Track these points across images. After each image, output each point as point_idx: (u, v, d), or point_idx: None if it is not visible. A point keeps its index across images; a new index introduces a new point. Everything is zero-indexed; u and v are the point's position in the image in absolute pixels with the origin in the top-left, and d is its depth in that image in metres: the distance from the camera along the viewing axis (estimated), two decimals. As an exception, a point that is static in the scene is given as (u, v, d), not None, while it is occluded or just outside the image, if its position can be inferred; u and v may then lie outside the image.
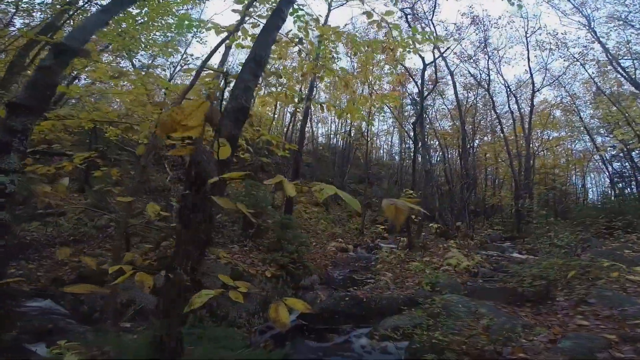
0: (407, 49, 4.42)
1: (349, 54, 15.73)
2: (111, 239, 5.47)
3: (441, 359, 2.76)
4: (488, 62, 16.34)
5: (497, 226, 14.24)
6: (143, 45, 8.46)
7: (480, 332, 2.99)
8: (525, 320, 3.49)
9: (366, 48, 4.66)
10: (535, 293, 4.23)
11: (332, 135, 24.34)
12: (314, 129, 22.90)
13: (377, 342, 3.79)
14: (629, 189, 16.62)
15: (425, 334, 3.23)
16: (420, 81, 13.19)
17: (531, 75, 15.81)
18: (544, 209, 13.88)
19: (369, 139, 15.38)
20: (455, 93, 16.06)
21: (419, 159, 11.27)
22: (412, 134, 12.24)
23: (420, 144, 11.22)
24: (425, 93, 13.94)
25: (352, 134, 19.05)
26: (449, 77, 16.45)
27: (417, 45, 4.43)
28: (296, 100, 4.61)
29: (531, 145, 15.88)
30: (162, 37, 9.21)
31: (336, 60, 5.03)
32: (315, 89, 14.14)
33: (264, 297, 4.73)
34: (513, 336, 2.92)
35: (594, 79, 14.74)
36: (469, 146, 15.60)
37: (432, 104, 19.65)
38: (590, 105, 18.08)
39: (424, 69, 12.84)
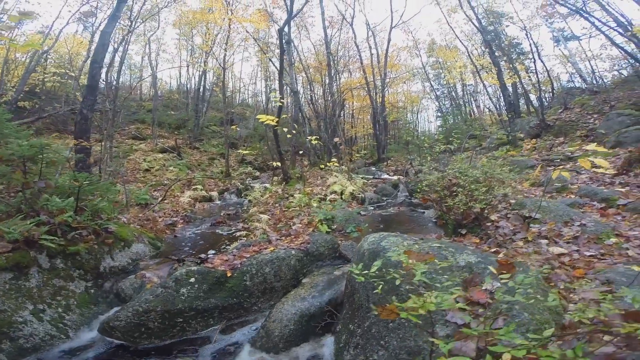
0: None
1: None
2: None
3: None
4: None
5: (361, 153, 14.94)
6: None
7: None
8: (492, 258, 1.91)
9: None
10: (464, 216, 3.43)
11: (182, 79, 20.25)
12: (154, 70, 17.73)
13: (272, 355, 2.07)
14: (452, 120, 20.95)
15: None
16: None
17: (392, 12, 16.98)
18: (394, 138, 15.45)
19: (225, 67, 12.41)
20: (323, 20, 15.05)
21: (287, 77, 9.60)
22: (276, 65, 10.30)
23: (287, 58, 9.49)
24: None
25: (206, 73, 15.92)
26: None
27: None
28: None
29: (383, 78, 17.34)
30: None
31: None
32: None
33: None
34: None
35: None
36: (334, 78, 15.16)
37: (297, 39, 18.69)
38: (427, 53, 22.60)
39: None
